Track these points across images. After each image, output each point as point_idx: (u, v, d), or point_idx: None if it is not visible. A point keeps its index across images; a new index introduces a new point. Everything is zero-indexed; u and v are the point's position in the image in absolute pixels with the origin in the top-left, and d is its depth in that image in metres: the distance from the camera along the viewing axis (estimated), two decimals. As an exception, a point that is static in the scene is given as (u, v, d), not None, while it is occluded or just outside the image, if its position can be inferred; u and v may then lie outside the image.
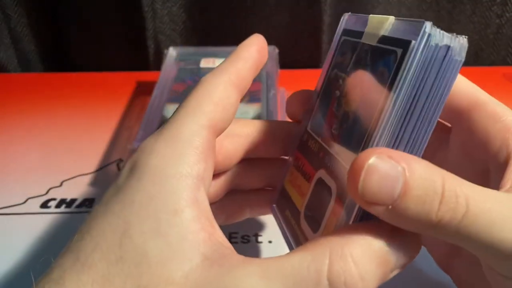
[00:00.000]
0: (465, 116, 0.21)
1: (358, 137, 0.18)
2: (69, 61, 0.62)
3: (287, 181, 0.24)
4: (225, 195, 0.25)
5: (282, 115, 0.42)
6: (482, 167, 0.20)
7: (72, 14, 0.57)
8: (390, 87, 0.17)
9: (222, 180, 0.24)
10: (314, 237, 0.20)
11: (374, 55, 0.19)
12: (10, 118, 0.48)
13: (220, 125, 0.20)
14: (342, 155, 0.19)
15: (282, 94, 0.46)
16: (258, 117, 0.40)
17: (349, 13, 0.22)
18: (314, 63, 0.59)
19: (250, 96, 0.42)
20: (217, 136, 0.20)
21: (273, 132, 0.24)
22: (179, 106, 0.20)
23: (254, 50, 0.22)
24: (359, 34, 0.20)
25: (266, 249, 0.32)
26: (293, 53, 0.59)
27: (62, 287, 0.15)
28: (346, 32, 0.22)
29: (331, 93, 0.21)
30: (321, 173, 0.20)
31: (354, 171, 0.15)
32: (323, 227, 0.19)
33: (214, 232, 0.17)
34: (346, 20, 0.23)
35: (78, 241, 0.16)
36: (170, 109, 0.41)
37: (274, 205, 0.25)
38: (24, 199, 0.37)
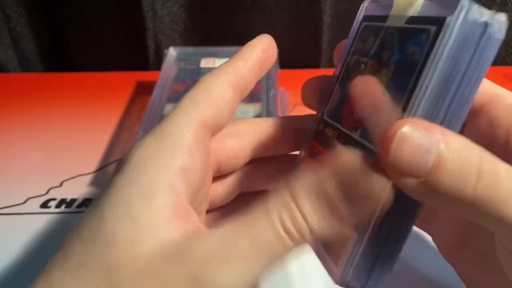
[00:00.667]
0: (484, 109, 0.20)
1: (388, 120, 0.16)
2: (69, 61, 0.62)
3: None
4: (237, 197, 0.24)
5: (282, 115, 0.42)
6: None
7: (72, 14, 0.57)
8: (422, 66, 0.16)
9: (230, 181, 0.24)
10: None
11: (402, 36, 0.18)
12: (10, 118, 0.48)
13: (213, 122, 0.20)
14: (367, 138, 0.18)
15: (282, 94, 0.46)
16: (258, 117, 0.40)
17: (369, 0, 0.22)
18: (314, 63, 0.59)
19: (250, 96, 0.42)
20: (212, 134, 0.20)
21: (281, 128, 0.24)
22: (175, 105, 0.20)
23: (258, 50, 0.22)
24: (383, 18, 0.19)
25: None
26: (293, 53, 0.59)
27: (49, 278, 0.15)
28: (367, 18, 0.21)
29: (351, 79, 0.21)
30: None
31: (386, 139, 0.15)
32: None
33: (189, 220, 0.17)
34: (366, 7, 0.22)
35: (69, 237, 0.17)
36: (170, 109, 0.41)
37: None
38: (24, 199, 0.37)
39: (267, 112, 0.40)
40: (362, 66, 0.20)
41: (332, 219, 0.16)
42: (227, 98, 0.20)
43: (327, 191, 0.15)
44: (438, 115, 0.16)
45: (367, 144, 0.18)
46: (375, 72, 0.19)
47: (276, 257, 0.15)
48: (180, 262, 0.15)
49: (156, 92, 0.42)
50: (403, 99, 0.16)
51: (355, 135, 0.19)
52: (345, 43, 0.22)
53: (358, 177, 0.15)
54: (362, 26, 0.21)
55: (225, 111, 0.20)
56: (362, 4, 0.22)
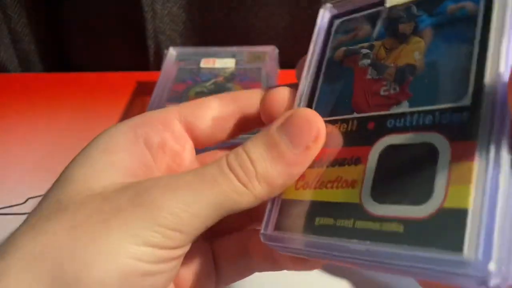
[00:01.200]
0: None
1: (455, 76, 0.15)
2: (70, 61, 0.62)
3: (295, 189, 0.18)
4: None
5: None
6: None
7: (73, 14, 0.57)
8: (487, 18, 0.15)
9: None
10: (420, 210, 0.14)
11: (424, 4, 0.17)
12: (11, 118, 0.48)
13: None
14: (428, 101, 0.16)
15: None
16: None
17: (329, 3, 0.22)
18: (314, 63, 0.59)
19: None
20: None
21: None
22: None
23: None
24: (370, 6, 0.19)
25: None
26: (293, 53, 0.59)
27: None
28: (337, 16, 0.21)
29: (347, 68, 0.19)
30: (390, 139, 0.16)
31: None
32: (443, 189, 0.14)
33: (148, 174, 0.18)
34: (330, 8, 0.21)
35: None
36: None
37: (266, 232, 0.18)
38: (24, 199, 0.37)
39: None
40: (364, 50, 0.19)
41: (280, 163, 0.17)
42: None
43: (275, 138, 0.17)
44: None
45: (437, 106, 0.15)
46: (395, 47, 0.18)
47: (221, 192, 0.16)
48: (128, 189, 0.16)
49: (156, 92, 0.43)
50: (472, 50, 0.15)
51: (402, 109, 0.16)
52: (312, 49, 0.22)
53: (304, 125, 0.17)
54: (336, 23, 0.21)
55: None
56: (321, 10, 0.22)
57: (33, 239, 0.16)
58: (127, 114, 0.49)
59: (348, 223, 0.16)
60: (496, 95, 0.14)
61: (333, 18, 0.21)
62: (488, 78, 0.14)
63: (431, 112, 0.15)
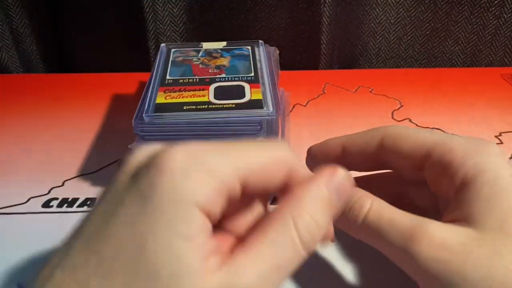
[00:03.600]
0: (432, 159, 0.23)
1: (246, 68, 0.42)
2: (71, 62, 0.62)
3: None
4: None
5: (282, 116, 0.43)
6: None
7: (74, 15, 0.58)
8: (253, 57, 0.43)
9: None
10: None
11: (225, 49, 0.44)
12: (12, 118, 0.49)
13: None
14: (235, 74, 0.41)
15: (282, 94, 0.46)
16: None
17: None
18: (314, 64, 0.59)
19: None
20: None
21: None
22: None
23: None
24: (191, 45, 0.45)
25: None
26: (292, 54, 0.59)
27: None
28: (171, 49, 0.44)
29: (186, 64, 0.42)
30: (218, 84, 0.38)
31: None
32: (250, 94, 0.36)
33: (221, 249, 0.19)
34: (165, 48, 0.44)
35: (93, 243, 0.17)
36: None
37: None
38: (26, 199, 0.37)
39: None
40: (195, 58, 0.42)
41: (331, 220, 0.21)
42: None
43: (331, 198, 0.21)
44: None
45: None
46: (210, 60, 0.42)
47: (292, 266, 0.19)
48: None
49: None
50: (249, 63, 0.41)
51: (223, 75, 0.40)
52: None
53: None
54: (172, 51, 0.43)
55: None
56: (161, 48, 0.44)
57: None
58: (127, 115, 0.49)
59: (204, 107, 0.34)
60: (262, 71, 0.40)
61: (169, 50, 0.44)
62: (258, 67, 0.40)
63: (239, 76, 0.38)
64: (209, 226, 0.18)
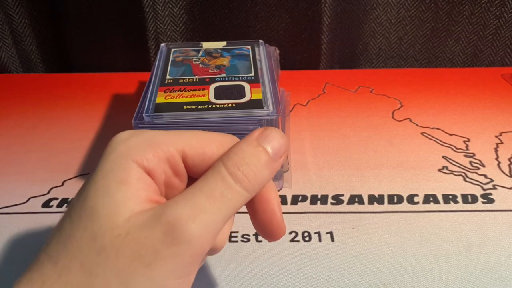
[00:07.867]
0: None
1: (246, 68, 0.42)
2: (71, 61, 0.62)
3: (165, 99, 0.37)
4: None
5: (282, 116, 0.43)
6: None
7: (74, 15, 0.57)
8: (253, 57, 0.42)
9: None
10: None
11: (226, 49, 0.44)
12: (12, 118, 0.49)
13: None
14: (235, 73, 0.40)
15: (282, 94, 0.46)
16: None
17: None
18: (314, 64, 0.59)
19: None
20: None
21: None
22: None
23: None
24: (190, 45, 0.45)
25: (266, 248, 0.32)
26: (292, 54, 0.59)
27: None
28: (171, 48, 0.44)
29: (186, 63, 0.42)
30: (218, 83, 0.39)
31: None
32: (250, 94, 0.37)
33: (161, 201, 0.20)
34: (164, 47, 0.45)
35: (62, 217, 0.20)
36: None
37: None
38: (26, 199, 0.37)
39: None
40: (195, 58, 0.42)
41: (268, 168, 0.21)
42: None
43: (264, 149, 0.21)
44: None
45: None
46: (211, 59, 0.42)
47: (233, 205, 0.19)
48: (153, 226, 0.18)
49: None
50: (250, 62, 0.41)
51: (222, 75, 0.40)
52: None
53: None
54: (172, 50, 0.44)
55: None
56: (161, 47, 0.44)
57: (86, 283, 0.18)
58: (127, 115, 0.49)
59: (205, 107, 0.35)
60: (262, 70, 0.40)
61: (169, 49, 0.44)
62: (258, 67, 0.40)
63: (239, 76, 0.39)
64: (150, 182, 0.20)
